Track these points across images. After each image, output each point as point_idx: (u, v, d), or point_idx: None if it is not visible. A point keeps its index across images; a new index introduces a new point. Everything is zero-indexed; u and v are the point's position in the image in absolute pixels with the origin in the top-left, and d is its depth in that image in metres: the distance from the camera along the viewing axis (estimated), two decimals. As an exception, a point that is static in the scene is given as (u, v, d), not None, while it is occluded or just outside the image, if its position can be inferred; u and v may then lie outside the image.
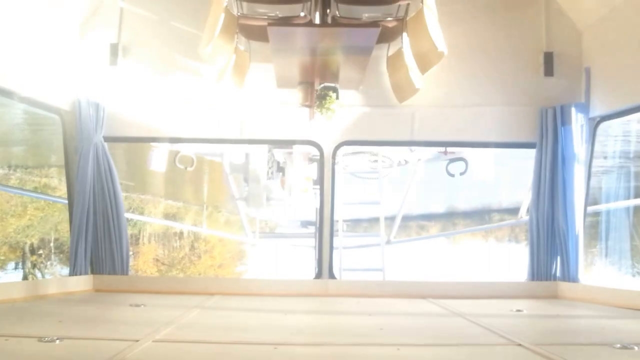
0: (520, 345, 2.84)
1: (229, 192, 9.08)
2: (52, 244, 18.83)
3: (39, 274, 18.33)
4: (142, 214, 19.09)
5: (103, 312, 4.06)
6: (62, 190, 16.65)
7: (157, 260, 22.53)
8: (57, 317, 3.63)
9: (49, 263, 18.81)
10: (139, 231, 20.17)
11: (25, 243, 18.33)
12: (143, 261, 20.56)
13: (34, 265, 18.44)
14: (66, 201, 5.45)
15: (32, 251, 18.50)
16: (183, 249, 24.01)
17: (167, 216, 21.94)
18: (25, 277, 17.52)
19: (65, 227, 18.25)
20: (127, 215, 5.76)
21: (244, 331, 3.44)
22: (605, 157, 11.22)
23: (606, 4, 4.97)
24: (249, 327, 3.58)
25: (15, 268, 18.31)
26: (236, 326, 3.64)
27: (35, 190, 16.85)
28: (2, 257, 17.90)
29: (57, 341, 2.72)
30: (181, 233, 23.96)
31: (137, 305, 4.21)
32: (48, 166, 17.01)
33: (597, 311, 4.35)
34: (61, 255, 18.96)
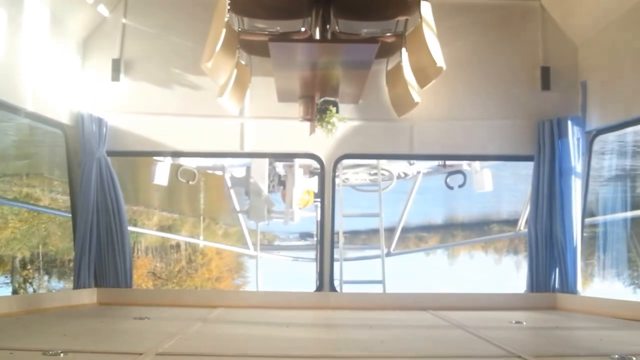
0: (519, 357, 2.87)
1: (227, 204, 9.09)
2: (40, 259, 18.16)
3: (30, 289, 17.95)
4: (134, 226, 18.95)
5: (107, 325, 4.08)
6: (46, 201, 16.38)
7: (154, 274, 22.18)
8: (62, 330, 3.64)
9: (45, 278, 18.45)
10: (133, 243, 19.95)
11: (15, 257, 17.78)
12: (137, 275, 20.30)
13: (25, 280, 18.01)
14: (70, 215, 5.49)
15: (23, 265, 17.99)
16: (179, 263, 23.69)
17: (162, 228, 21.47)
18: (15, 292, 17.13)
19: (54, 241, 17.94)
20: (130, 228, 5.79)
21: (246, 344, 3.47)
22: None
23: (601, 20, 5.06)
24: (251, 340, 3.61)
25: (11, 282, 17.90)
26: (238, 339, 3.67)
27: (15, 200, 16.43)
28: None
29: (62, 355, 2.73)
30: (178, 246, 23.62)
31: (141, 318, 4.23)
32: (27, 175, 16.52)
33: (596, 322, 4.39)
34: (54, 269, 18.59)
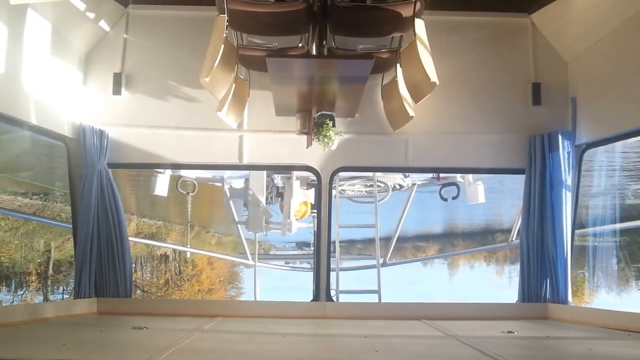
0: None
1: (219, 211, 9.11)
2: None
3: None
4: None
5: (107, 335, 4.14)
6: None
7: (139, 287, 21.55)
8: (61, 340, 3.71)
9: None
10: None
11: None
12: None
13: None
14: (71, 225, 5.57)
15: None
16: (166, 274, 23.08)
17: (146, 237, 20.91)
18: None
19: (7, 250, 17.56)
20: (131, 239, 5.86)
21: (242, 354, 3.54)
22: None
23: (590, 37, 5.19)
24: (247, 350, 3.68)
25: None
26: (235, 349, 3.74)
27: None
28: None
29: None
30: (166, 256, 23.01)
31: (140, 328, 4.29)
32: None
33: (586, 332, 4.48)
34: (12, 283, 18.20)
